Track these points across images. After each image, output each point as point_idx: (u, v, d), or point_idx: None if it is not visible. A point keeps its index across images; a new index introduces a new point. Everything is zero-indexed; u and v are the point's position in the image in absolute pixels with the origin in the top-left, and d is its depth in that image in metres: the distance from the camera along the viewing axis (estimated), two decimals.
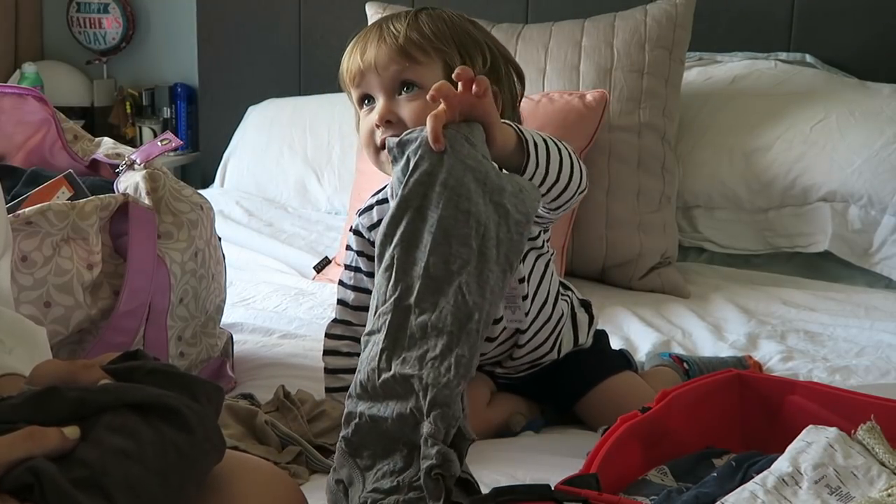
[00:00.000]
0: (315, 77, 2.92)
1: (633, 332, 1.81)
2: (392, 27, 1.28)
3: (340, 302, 1.39)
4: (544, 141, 1.11)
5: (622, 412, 1.12)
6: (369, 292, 1.28)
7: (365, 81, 1.28)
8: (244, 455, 0.91)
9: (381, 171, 1.31)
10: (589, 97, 2.08)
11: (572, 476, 0.96)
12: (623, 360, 1.49)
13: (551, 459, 1.23)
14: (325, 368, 1.40)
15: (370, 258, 1.32)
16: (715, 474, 1.06)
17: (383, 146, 1.25)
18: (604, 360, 1.46)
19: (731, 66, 2.39)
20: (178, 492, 0.71)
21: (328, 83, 2.93)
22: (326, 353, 1.40)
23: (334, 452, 1.23)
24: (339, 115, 2.61)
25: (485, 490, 0.92)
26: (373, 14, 2.46)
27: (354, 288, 1.37)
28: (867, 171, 2.06)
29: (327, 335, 1.40)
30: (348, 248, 1.39)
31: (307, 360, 1.60)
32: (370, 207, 1.37)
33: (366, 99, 1.30)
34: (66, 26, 3.19)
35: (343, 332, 1.38)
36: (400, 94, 1.26)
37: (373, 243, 1.23)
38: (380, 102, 1.27)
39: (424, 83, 1.24)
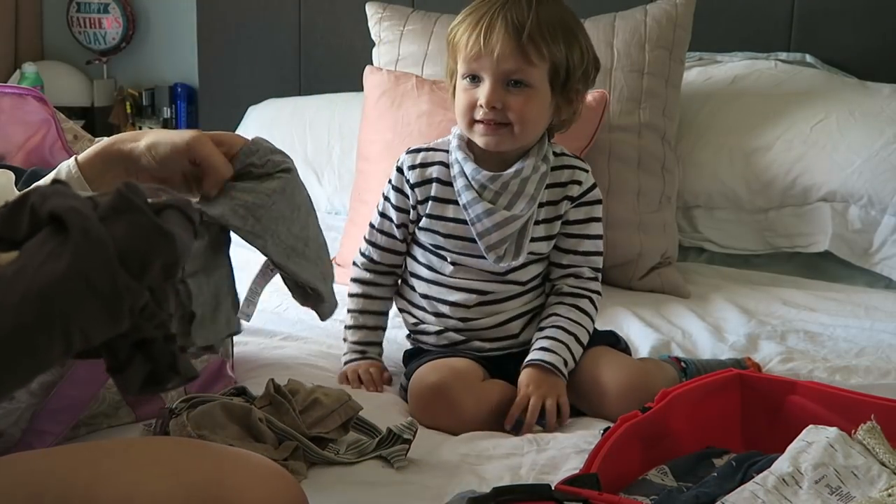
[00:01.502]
0: (315, 77, 2.92)
1: (633, 332, 1.80)
2: (516, 17, 1.40)
3: (371, 242, 1.57)
4: (572, 354, 1.47)
5: (602, 387, 1.13)
6: (391, 235, 1.54)
7: (479, 64, 1.42)
8: (243, 453, 0.91)
9: (471, 138, 1.47)
10: (589, 97, 2.07)
11: (572, 476, 0.97)
12: (612, 337, 1.58)
13: (551, 459, 1.23)
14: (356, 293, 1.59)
15: (401, 192, 1.52)
16: (715, 474, 1.06)
17: (478, 121, 1.44)
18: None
19: (731, 66, 2.39)
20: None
21: (328, 83, 2.95)
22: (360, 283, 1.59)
23: (331, 441, 1.24)
24: (339, 115, 2.60)
25: (486, 489, 0.92)
26: (373, 14, 2.45)
27: (381, 232, 1.56)
28: (867, 171, 2.06)
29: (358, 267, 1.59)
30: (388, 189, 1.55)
31: (308, 362, 1.59)
32: (419, 150, 1.52)
33: (471, 75, 1.44)
34: (66, 26, 3.19)
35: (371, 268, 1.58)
36: (507, 84, 1.42)
37: (408, 182, 1.50)
38: (488, 88, 1.42)
39: (532, 82, 1.42)
